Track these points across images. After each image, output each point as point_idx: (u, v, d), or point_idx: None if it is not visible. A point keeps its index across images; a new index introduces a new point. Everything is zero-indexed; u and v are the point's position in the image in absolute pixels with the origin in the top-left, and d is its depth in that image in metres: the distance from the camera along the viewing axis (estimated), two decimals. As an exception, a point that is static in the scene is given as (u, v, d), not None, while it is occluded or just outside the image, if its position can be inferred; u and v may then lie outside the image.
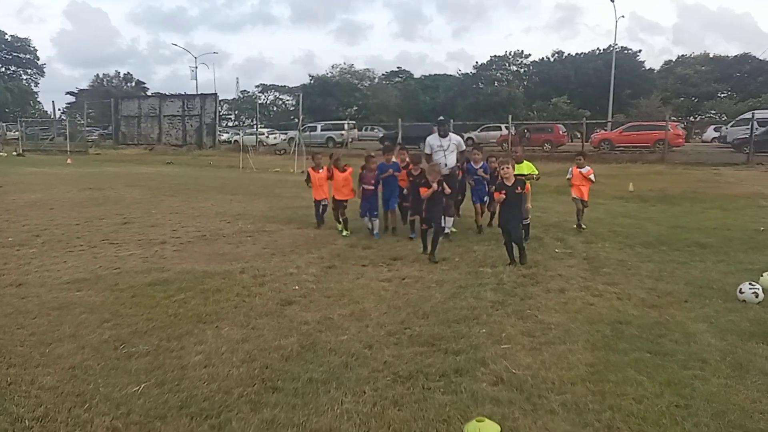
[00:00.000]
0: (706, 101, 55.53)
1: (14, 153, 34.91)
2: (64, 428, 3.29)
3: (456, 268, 7.10)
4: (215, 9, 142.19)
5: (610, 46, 57.45)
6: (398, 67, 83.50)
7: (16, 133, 44.59)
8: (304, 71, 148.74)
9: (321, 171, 9.93)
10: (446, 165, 8.81)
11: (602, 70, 55.44)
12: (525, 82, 68.78)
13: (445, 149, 9.01)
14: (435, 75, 77.37)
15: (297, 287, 6.22)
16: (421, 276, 6.78)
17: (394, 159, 9.70)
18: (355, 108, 69.80)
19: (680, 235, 9.29)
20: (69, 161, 28.91)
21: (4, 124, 51.91)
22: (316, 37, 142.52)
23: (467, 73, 69.95)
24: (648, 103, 48.09)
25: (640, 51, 76.08)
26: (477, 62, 71.05)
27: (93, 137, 45.55)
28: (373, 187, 9.33)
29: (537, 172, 8.94)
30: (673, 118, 37.40)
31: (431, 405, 3.58)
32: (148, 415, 3.44)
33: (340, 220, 9.62)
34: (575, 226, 9.75)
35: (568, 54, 65.97)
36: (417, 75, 79.55)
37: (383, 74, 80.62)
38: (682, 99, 55.23)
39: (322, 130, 44.27)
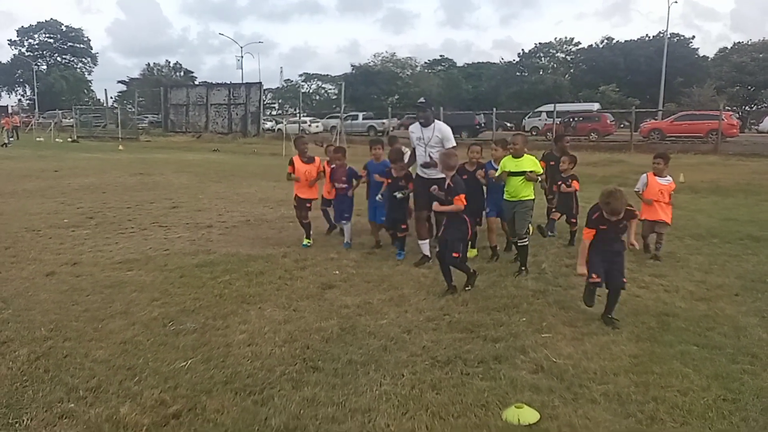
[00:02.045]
0: (764, 90, 52.84)
1: (69, 139, 36.37)
2: (116, 399, 3.45)
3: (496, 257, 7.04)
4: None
5: (660, 32, 55.37)
6: (441, 56, 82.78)
7: (71, 120, 46.53)
8: (349, 60, 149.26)
9: (312, 163, 7.79)
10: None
11: (653, 57, 53.55)
12: (572, 70, 67.04)
13: (427, 142, 6.76)
14: (478, 63, 76.36)
15: (337, 272, 6.30)
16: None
17: (384, 157, 7.54)
18: (397, 97, 69.58)
19: (732, 227, 8.92)
20: (121, 147, 29.94)
21: (59, 112, 54.12)
22: (362, 26, 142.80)
23: (511, 61, 68.77)
24: (701, 91, 46.18)
25: (693, 38, 73.03)
26: (522, 50, 69.66)
27: (143, 125, 46.98)
28: (345, 186, 7.58)
29: (541, 171, 6.57)
30: (727, 107, 35.71)
31: (469, 390, 3.59)
32: (195, 390, 3.57)
33: (303, 224, 7.81)
34: (652, 257, 6.93)
35: (618, 41, 63.92)
36: (461, 63, 78.76)
37: (425, 62, 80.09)
38: (737, 88, 52.70)
39: (363, 119, 44.39)
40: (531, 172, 6.27)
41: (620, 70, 56.91)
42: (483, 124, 37.87)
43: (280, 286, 5.82)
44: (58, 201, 11.14)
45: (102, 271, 6.25)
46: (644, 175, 7.05)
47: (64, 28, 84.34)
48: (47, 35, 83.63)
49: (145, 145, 33.99)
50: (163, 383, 3.63)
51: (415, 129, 6.92)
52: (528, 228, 6.55)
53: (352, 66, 73.32)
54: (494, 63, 73.64)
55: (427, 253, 6.72)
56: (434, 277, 6.21)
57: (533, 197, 6.47)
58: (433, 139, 6.76)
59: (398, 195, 6.83)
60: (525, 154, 6.47)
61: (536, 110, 40.88)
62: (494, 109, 35.08)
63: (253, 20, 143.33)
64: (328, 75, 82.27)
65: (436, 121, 6.81)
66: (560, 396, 3.52)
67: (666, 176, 6.95)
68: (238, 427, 3.10)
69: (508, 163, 6.43)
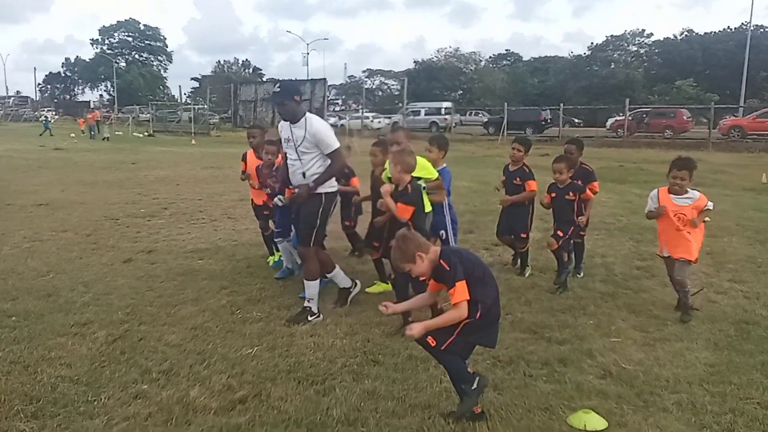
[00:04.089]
0: None
1: (146, 133, 38.30)
2: (186, 382, 3.59)
3: (562, 257, 6.83)
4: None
5: (743, 24, 51.93)
6: (506, 50, 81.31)
7: (147, 115, 48.94)
8: (414, 56, 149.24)
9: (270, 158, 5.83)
10: (303, 174, 4.69)
11: (734, 50, 50.35)
12: (645, 64, 64.06)
13: (298, 144, 4.66)
14: (545, 57, 74.32)
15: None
16: (524, 262, 6.60)
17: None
18: (460, 92, 68.95)
19: (824, 232, 8.26)
20: (193, 142, 31.26)
21: (137, 107, 57.03)
22: (429, 20, 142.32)
23: (580, 55, 66.50)
24: (788, 86, 42.99)
25: (780, 29, 68.01)
26: (592, 43, 67.17)
27: (214, 120, 48.73)
28: (272, 192, 5.73)
29: (435, 176, 5.13)
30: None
31: (532, 392, 3.50)
32: (260, 377, 3.67)
33: (264, 236, 6.46)
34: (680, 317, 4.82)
35: (696, 33, 60.50)
36: (527, 57, 76.95)
37: (490, 57, 78.85)
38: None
39: (425, 115, 44.23)
40: (426, 178, 4.97)
41: (698, 64, 53.88)
42: (549, 120, 36.90)
43: (342, 280, 5.89)
44: (135, 192, 11.75)
45: (175, 259, 6.54)
46: (655, 191, 4.94)
47: (142, 27, 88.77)
48: (126, 34, 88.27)
49: (215, 139, 35.31)
50: (230, 369, 3.76)
51: (283, 127, 4.84)
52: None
53: (414, 62, 73.24)
54: (562, 57, 71.55)
55: (344, 284, 5.11)
56: (495, 275, 6.05)
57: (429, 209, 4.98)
58: (304, 141, 4.64)
59: (278, 202, 5.18)
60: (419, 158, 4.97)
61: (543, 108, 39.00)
62: (561, 104, 34.09)
63: (322, 17, 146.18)
64: (391, 71, 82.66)
65: (308, 115, 4.67)
66: (629, 403, 3.38)
67: (687, 193, 4.77)
68: (301, 416, 3.16)
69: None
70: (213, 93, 55.41)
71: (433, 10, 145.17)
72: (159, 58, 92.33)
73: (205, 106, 48.51)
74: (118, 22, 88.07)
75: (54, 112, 61.97)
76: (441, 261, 3.13)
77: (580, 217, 5.75)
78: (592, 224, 8.72)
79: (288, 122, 4.71)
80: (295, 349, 4.11)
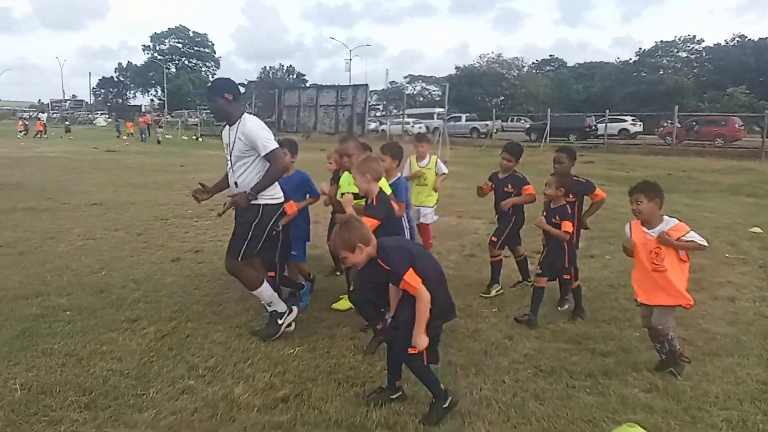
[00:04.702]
0: None
1: (194, 137, 39.41)
2: (230, 379, 3.69)
3: (606, 267, 6.69)
4: (377, 3, 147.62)
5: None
6: (551, 55, 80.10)
7: (196, 119, 50.37)
8: (456, 62, 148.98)
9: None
10: (235, 183, 4.35)
11: (792, 56, 48.15)
12: (695, 70, 62.03)
13: (231, 149, 4.28)
14: (590, 63, 72.94)
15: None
16: (567, 271, 6.50)
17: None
18: (502, 98, 68.26)
19: None
20: (236, 146, 31.92)
21: (185, 111, 58.77)
22: (473, 26, 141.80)
23: (627, 61, 64.93)
24: None
25: (843, 33, 64.66)
26: (641, 48, 65.47)
27: (257, 124, 49.78)
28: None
29: (388, 192, 4.44)
30: None
31: (575, 403, 3.45)
32: (301, 377, 3.73)
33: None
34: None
35: (749, 39, 58.20)
36: (572, 63, 75.68)
37: (534, 63, 77.88)
38: None
39: (466, 121, 44.00)
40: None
41: (751, 71, 51.77)
42: (594, 127, 36.14)
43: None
44: (184, 193, 12.09)
45: (221, 259, 6.63)
46: (628, 224, 4.03)
47: (191, 34, 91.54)
48: (177, 40, 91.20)
49: (258, 143, 35.93)
50: (272, 368, 3.83)
51: (224, 132, 4.45)
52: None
53: (456, 67, 73.01)
54: (608, 62, 70.05)
55: (278, 308, 4.43)
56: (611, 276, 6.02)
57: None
58: (236, 143, 4.20)
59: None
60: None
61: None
62: (607, 111, 33.34)
63: (366, 24, 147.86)
64: (432, 76, 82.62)
65: (245, 116, 4.23)
66: (677, 418, 3.28)
67: (661, 223, 3.80)
68: (341, 417, 3.20)
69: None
70: (258, 98, 56.54)
71: (477, 16, 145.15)
72: (207, 64, 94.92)
73: (251, 111, 49.47)
74: (168, 29, 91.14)
75: (107, 116, 64.48)
76: (379, 260, 3.16)
77: (564, 222, 4.75)
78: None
79: (227, 125, 4.34)
80: (336, 351, 4.16)
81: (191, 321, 4.68)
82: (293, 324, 4.47)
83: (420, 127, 44.76)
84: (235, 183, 4.32)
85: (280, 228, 4.60)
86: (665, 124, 34.86)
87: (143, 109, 64.80)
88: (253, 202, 4.20)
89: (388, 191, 4.53)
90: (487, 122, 40.80)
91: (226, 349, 4.13)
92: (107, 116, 64.36)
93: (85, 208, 10.03)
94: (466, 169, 18.21)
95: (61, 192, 11.77)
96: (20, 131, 37.18)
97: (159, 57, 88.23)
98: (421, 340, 3.08)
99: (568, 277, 5.01)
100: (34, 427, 3.07)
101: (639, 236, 3.86)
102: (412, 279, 3.05)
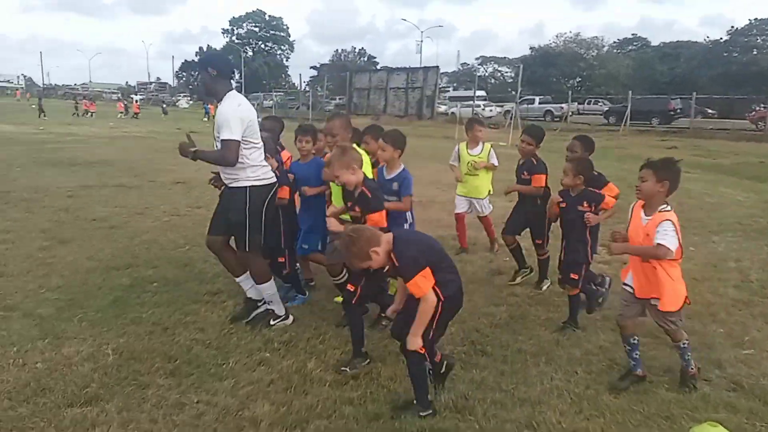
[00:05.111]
0: None
1: (268, 120, 40.53)
2: (304, 354, 3.82)
3: (690, 259, 6.33)
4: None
5: None
6: (633, 34, 75.86)
7: (270, 102, 51.79)
8: (531, 42, 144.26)
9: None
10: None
11: None
12: (797, 50, 56.86)
13: (214, 127, 4.15)
14: (676, 42, 68.35)
15: (508, 258, 6.20)
16: (645, 262, 6.24)
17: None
18: (578, 79, 65.52)
19: None
20: (309, 128, 32.56)
21: (261, 94, 60.51)
22: (550, 5, 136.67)
23: (717, 40, 60.39)
24: None
25: None
26: (733, 27, 60.68)
27: (330, 107, 50.50)
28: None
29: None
30: None
31: (652, 399, 3.32)
32: (370, 356, 3.80)
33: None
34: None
35: None
36: (657, 42, 71.34)
37: (614, 42, 74.04)
38: None
39: (540, 103, 42.66)
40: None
41: None
42: (679, 110, 34.01)
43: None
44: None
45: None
46: (632, 205, 3.56)
47: (267, 18, 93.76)
48: (253, 24, 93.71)
49: (329, 125, 36.47)
50: (343, 345, 3.93)
51: None
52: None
53: (531, 48, 70.69)
54: (696, 42, 65.43)
55: (252, 295, 4.43)
56: (614, 273, 5.80)
57: None
58: (215, 123, 4.06)
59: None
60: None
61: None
62: (694, 93, 31.28)
63: (438, 4, 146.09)
64: (505, 58, 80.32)
65: (229, 94, 4.03)
66: (763, 420, 3.10)
67: (655, 210, 3.31)
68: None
69: None
70: (329, 81, 57.27)
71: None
72: (282, 47, 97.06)
73: (322, 94, 50.29)
74: (246, 13, 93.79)
75: (188, 98, 67.48)
76: (392, 254, 2.97)
77: (587, 215, 4.27)
78: (725, 225, 8.02)
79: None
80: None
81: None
82: (291, 317, 4.38)
83: (491, 110, 43.90)
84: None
85: (280, 212, 4.48)
86: (757, 108, 32.24)
87: (221, 92, 67.21)
88: (237, 185, 4.04)
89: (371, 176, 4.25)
90: (562, 105, 39.35)
91: (299, 326, 4.28)
92: (189, 99, 67.33)
93: (169, 186, 10.60)
94: (539, 154, 17.74)
95: (148, 170, 12.49)
96: (120, 112, 39.72)
97: (237, 41, 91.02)
98: (416, 342, 2.97)
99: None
100: (125, 390, 3.31)
101: (635, 219, 3.43)
102: (424, 280, 2.88)
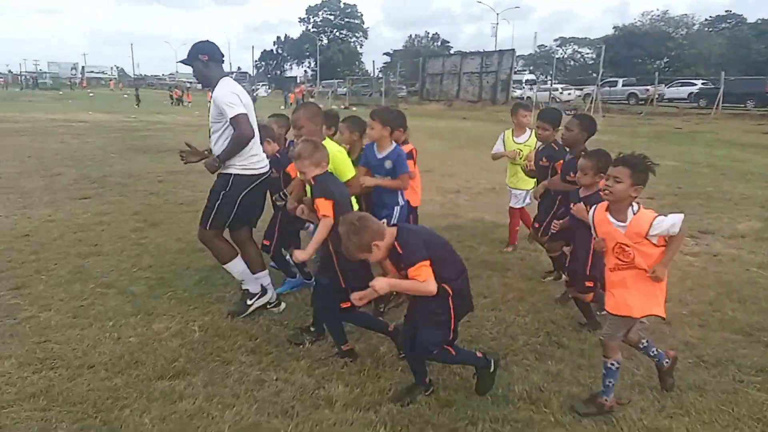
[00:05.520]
0: None
1: (342, 106, 41.10)
2: (376, 338, 3.85)
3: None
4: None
5: None
6: (727, 11, 70.35)
7: (344, 89, 52.43)
8: (614, 21, 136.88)
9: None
10: (210, 150, 4.29)
11: None
12: None
13: (209, 114, 4.24)
14: (777, 17, 62.77)
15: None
16: (738, 255, 5.84)
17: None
18: (666, 60, 61.68)
19: None
20: (381, 114, 32.74)
21: (335, 82, 61.36)
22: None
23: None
24: None
25: None
26: None
27: (402, 93, 50.50)
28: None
29: (349, 174, 4.06)
30: None
31: (743, 399, 3.13)
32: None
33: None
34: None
35: None
36: (754, 19, 65.83)
37: (706, 20, 68.98)
38: None
39: (623, 86, 40.57)
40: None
41: None
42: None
43: (523, 257, 5.82)
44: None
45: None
46: (592, 210, 3.15)
47: (342, 5, 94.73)
48: (328, 12, 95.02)
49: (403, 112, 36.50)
50: (415, 332, 3.95)
51: None
52: None
53: (614, 27, 67.16)
54: (802, 16, 59.76)
55: (250, 288, 4.30)
56: (703, 266, 5.50)
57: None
58: (210, 110, 4.11)
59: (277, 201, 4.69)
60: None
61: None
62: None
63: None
64: (586, 38, 76.85)
65: (222, 79, 4.06)
66: None
67: (626, 211, 2.88)
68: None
69: None
70: (402, 67, 57.13)
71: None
72: (356, 34, 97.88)
73: (395, 80, 50.30)
74: (322, 1, 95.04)
75: (267, 87, 69.58)
76: (395, 243, 2.86)
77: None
78: None
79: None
80: (476, 321, 4.17)
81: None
82: (283, 304, 4.36)
83: (569, 93, 42.23)
84: (210, 151, 4.22)
85: (285, 198, 4.35)
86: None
87: (298, 80, 68.86)
88: (224, 170, 4.05)
89: (349, 172, 4.03)
90: (648, 87, 37.20)
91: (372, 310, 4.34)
92: (267, 87, 69.39)
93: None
94: (621, 139, 16.90)
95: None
96: (209, 101, 41.55)
97: (313, 29, 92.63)
98: (379, 284, 2.82)
99: (591, 284, 3.90)
100: (210, 365, 3.50)
101: (602, 225, 2.95)
102: (426, 270, 2.78)
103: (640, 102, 36.49)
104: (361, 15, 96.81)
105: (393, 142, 4.29)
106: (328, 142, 3.98)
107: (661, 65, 59.66)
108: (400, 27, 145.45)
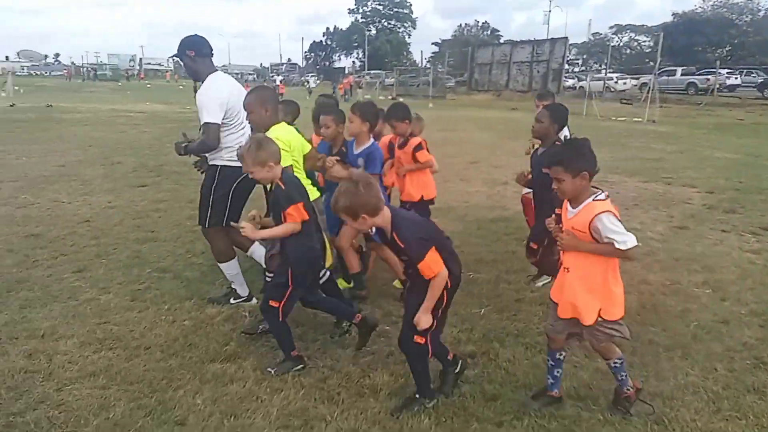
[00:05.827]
0: None
1: (390, 97, 41.08)
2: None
3: None
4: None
5: None
6: (800, -6, 66.09)
7: (392, 80, 52.35)
8: (673, 8, 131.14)
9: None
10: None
11: None
12: None
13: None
14: None
15: (639, 244, 5.81)
16: (804, 254, 5.54)
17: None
18: (728, 48, 58.66)
19: None
20: (430, 105, 32.54)
21: (383, 72, 61.35)
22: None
23: None
24: None
25: None
26: None
27: (450, 84, 50.01)
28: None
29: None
30: None
31: (807, 405, 2.98)
32: (487, 337, 3.79)
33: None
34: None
35: None
36: (830, 1, 61.65)
37: (776, 4, 65.10)
38: None
39: (681, 75, 38.88)
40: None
41: None
42: None
43: (574, 251, 5.68)
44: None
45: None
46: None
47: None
48: (377, 2, 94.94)
49: (450, 103, 36.23)
50: (460, 324, 3.95)
51: None
52: None
53: (673, 14, 64.34)
54: None
55: (238, 290, 4.39)
56: (764, 264, 5.25)
57: None
58: (197, 105, 4.01)
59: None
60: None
61: None
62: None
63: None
64: (643, 25, 74.07)
65: (210, 76, 4.03)
66: None
67: (584, 200, 2.73)
68: (529, 381, 3.20)
69: None
70: (450, 57, 56.51)
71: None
72: (404, 24, 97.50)
73: (443, 70, 49.86)
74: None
75: (316, 77, 70.29)
76: (394, 234, 2.73)
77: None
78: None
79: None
80: (523, 315, 4.13)
81: (386, 271, 4.94)
82: (255, 299, 4.31)
83: (624, 83, 40.79)
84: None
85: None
86: None
87: (346, 71, 69.24)
88: (211, 162, 4.08)
89: (306, 146, 3.93)
90: (708, 76, 35.53)
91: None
92: (316, 78, 70.11)
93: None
94: (678, 130, 16.27)
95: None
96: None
97: (362, 20, 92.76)
98: (425, 319, 2.73)
99: (535, 247, 4.25)
100: (259, 350, 3.60)
101: (563, 214, 2.88)
102: (435, 259, 2.67)
103: (700, 92, 34.92)
104: (410, 5, 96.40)
105: (372, 138, 4.20)
106: (281, 126, 3.82)
107: (723, 53, 56.79)
108: (449, 16, 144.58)
